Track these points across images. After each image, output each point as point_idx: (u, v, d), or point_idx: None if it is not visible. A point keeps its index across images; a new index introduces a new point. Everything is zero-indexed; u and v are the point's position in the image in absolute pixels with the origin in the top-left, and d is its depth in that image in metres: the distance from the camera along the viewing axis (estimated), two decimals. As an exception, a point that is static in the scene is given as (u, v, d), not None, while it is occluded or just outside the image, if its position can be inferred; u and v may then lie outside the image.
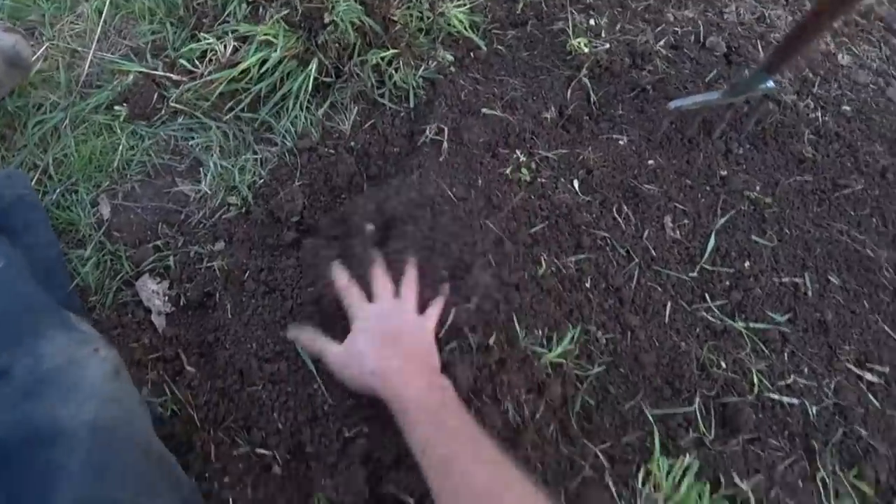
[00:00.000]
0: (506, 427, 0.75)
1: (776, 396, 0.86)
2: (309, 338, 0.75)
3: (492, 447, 0.59)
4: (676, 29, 1.24)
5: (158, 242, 0.90)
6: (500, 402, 0.76)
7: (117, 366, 0.69)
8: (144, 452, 0.61)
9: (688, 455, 0.77)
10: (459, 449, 0.58)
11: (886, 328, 0.96)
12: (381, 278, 0.77)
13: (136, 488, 0.57)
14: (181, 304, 0.85)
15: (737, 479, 0.79)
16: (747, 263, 0.96)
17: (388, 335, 0.70)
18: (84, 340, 0.69)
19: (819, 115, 1.17)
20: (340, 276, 0.77)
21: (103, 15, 1.10)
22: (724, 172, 1.04)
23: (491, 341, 0.79)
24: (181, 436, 0.75)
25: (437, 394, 0.64)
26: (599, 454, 0.77)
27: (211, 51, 1.02)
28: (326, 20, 1.00)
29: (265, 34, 1.00)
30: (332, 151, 0.97)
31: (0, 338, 0.66)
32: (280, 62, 1.01)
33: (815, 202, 1.06)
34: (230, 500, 0.71)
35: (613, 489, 0.75)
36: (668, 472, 0.75)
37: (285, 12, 1.00)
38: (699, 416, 0.82)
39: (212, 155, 0.98)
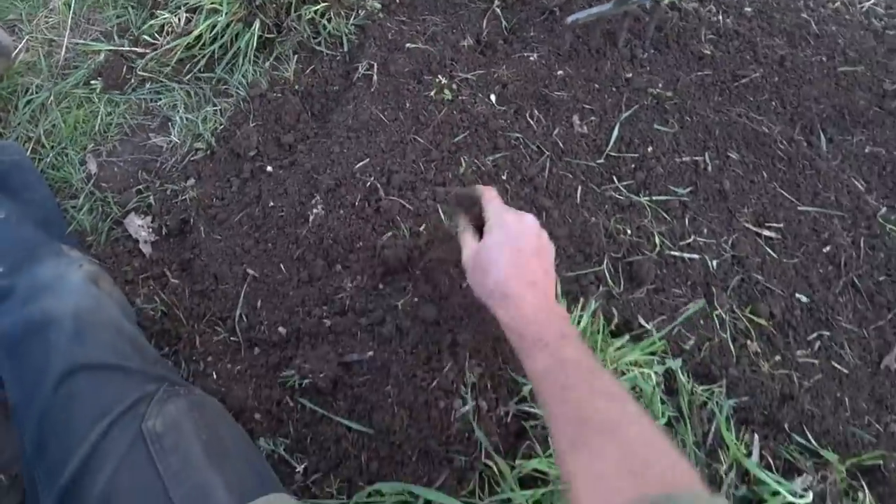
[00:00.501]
0: (435, 292, 0.89)
1: (677, 254, 0.99)
2: (464, 218, 0.76)
3: (611, 380, 0.59)
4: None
5: (140, 186, 1.06)
6: (429, 275, 0.91)
7: (96, 276, 0.84)
8: (117, 331, 0.76)
9: (594, 303, 0.91)
10: (578, 380, 0.58)
11: (783, 192, 1.08)
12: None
13: (110, 354, 0.72)
14: (163, 232, 1.01)
15: (642, 321, 0.92)
16: (650, 148, 1.08)
17: (523, 254, 0.67)
18: (71, 262, 0.85)
19: (720, 17, 1.28)
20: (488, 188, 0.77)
21: (72, 7, 1.26)
22: (629, 75, 1.16)
23: (421, 228, 0.94)
24: (171, 331, 0.91)
25: (556, 325, 0.63)
26: (520, 311, 0.91)
27: (167, 24, 1.17)
28: (262, -16, 1.14)
29: (211, 3, 1.14)
30: (279, 95, 1.12)
31: (4, 268, 0.82)
32: (227, 26, 1.15)
33: (716, 92, 1.18)
34: (214, 374, 0.87)
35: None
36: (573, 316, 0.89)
37: (226, -18, 1.15)
38: (608, 275, 0.95)
39: (178, 111, 1.13)
